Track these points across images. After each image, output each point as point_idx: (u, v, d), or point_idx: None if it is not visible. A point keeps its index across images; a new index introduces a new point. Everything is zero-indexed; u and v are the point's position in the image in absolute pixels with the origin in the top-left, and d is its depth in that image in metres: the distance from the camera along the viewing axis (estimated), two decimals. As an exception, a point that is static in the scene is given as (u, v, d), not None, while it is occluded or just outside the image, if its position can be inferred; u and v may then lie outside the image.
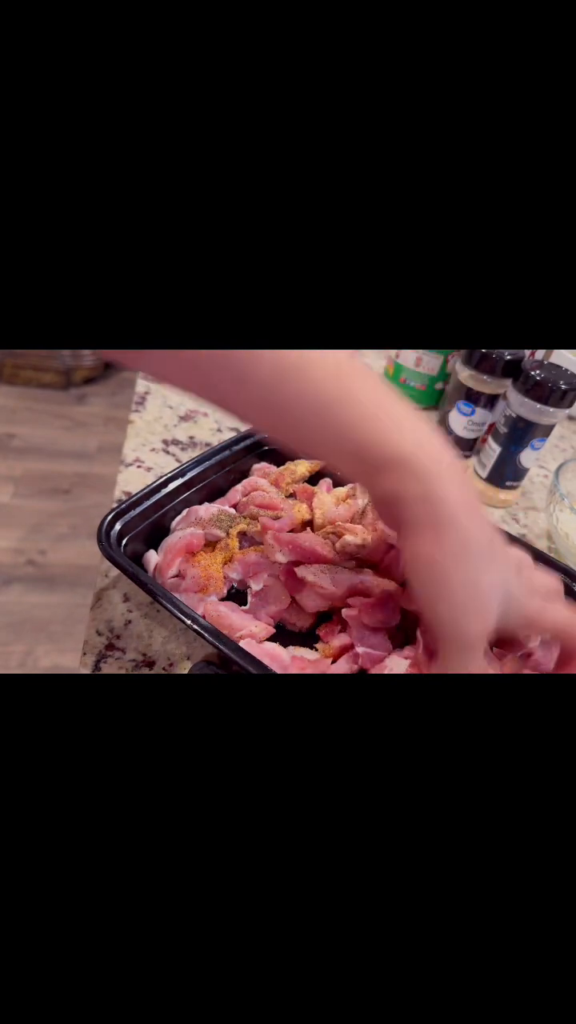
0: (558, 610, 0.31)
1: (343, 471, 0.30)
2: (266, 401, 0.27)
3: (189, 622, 0.34)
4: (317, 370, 0.27)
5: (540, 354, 0.66)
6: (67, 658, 1.24)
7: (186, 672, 0.37)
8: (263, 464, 0.50)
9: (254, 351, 0.26)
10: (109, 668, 0.36)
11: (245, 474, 0.50)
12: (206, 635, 0.33)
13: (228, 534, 0.41)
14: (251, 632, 0.37)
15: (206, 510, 0.43)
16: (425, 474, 0.26)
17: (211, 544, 0.42)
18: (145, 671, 0.37)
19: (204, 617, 0.37)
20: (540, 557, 0.44)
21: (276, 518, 0.42)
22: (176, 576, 0.40)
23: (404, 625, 0.38)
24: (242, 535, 0.42)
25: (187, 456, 0.55)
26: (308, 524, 0.44)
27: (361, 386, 0.27)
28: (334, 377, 0.27)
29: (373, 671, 0.35)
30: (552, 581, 0.33)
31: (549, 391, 0.49)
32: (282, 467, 0.49)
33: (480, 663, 0.28)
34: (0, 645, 1.24)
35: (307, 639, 0.40)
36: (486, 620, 0.28)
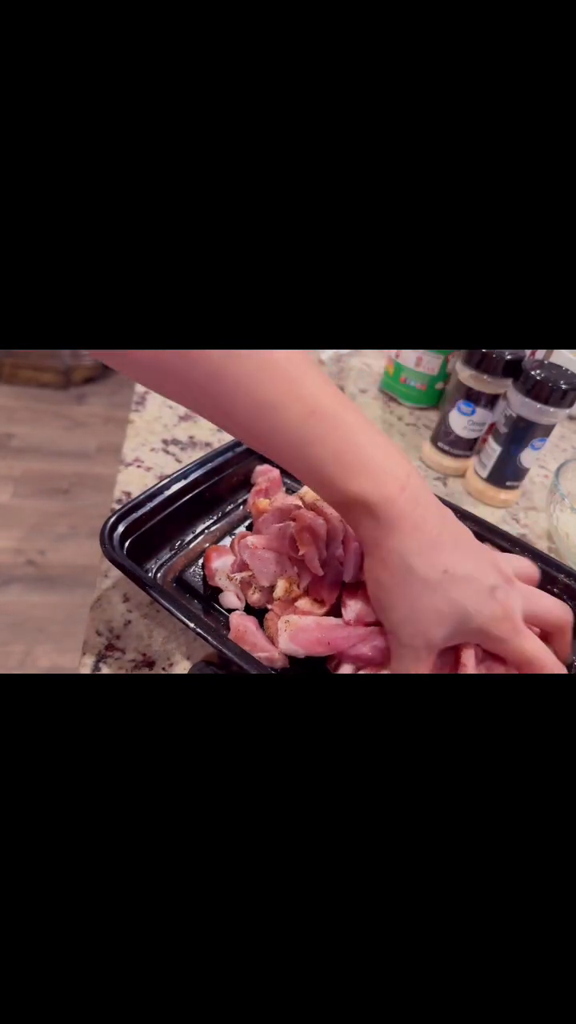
0: (526, 644, 0.33)
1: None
2: (249, 435, 0.31)
3: (190, 623, 0.34)
4: (291, 411, 0.29)
5: (540, 354, 0.66)
6: (66, 658, 1.24)
7: (186, 672, 0.37)
8: (265, 467, 0.50)
9: (239, 384, 0.29)
10: (109, 668, 0.36)
11: (247, 476, 0.49)
12: (206, 636, 0.33)
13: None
14: (270, 657, 0.36)
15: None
16: (377, 514, 0.31)
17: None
18: (145, 671, 0.37)
19: (230, 628, 0.37)
20: (540, 558, 0.44)
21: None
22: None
23: None
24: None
25: (187, 456, 0.55)
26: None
27: (332, 429, 0.30)
28: (307, 415, 0.30)
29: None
30: (543, 606, 0.35)
31: (549, 391, 0.49)
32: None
33: (423, 667, 0.33)
34: (0, 645, 1.24)
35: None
36: (427, 636, 0.32)
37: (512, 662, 0.34)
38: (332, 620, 0.36)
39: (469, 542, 0.33)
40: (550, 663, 0.33)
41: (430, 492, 0.33)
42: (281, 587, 0.39)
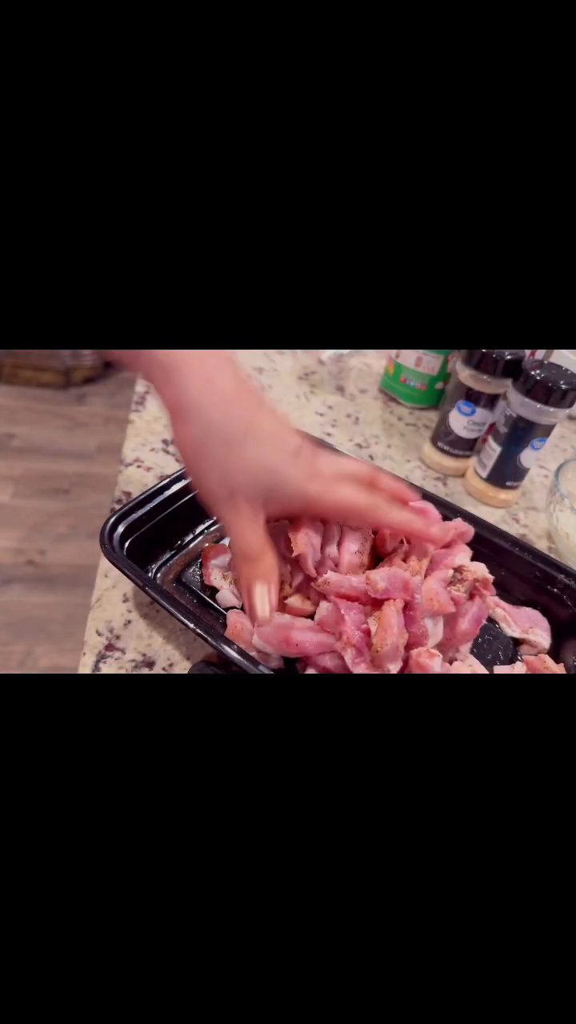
0: (341, 491, 0.33)
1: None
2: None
3: (189, 624, 0.34)
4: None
5: (540, 354, 0.66)
6: (67, 658, 1.24)
7: (186, 672, 0.37)
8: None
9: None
10: (109, 668, 0.36)
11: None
12: (205, 636, 0.33)
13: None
14: (264, 656, 0.36)
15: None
16: (171, 367, 0.30)
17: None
18: (145, 671, 0.37)
19: (227, 627, 0.37)
20: (540, 558, 0.44)
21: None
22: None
23: None
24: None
25: (187, 456, 0.55)
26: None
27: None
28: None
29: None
30: (349, 465, 0.35)
31: (549, 391, 0.49)
32: None
33: (254, 530, 0.32)
34: (0, 645, 1.24)
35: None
36: (245, 497, 0.31)
37: (334, 518, 0.33)
38: (307, 622, 0.36)
39: (266, 404, 0.32)
40: (364, 503, 0.33)
41: (227, 358, 0.32)
42: None
